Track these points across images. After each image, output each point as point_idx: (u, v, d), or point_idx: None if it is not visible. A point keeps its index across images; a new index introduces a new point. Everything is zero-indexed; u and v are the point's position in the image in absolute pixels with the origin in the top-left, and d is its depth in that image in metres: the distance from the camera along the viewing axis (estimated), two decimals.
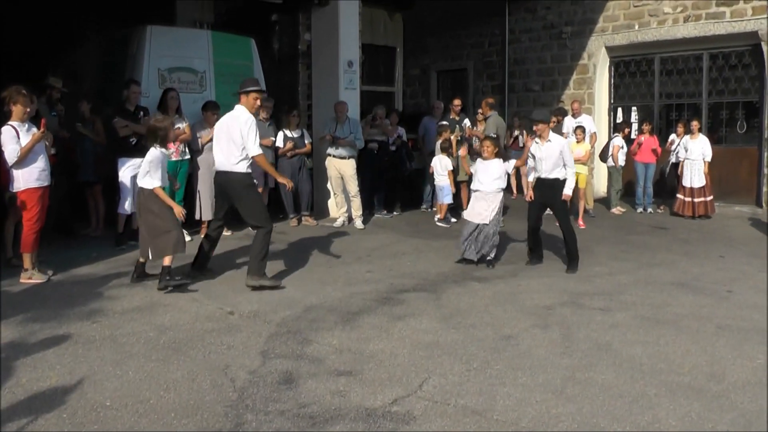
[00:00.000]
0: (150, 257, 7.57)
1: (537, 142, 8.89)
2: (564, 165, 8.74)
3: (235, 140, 7.60)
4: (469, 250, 8.84)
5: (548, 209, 9.35)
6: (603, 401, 4.68)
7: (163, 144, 7.64)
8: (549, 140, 8.79)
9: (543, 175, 8.83)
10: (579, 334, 6.16)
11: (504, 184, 9.03)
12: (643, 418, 4.43)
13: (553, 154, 8.69)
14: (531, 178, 9.24)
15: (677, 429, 4.30)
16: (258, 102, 7.96)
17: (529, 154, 9.08)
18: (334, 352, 5.63)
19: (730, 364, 5.44)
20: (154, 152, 7.49)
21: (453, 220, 12.27)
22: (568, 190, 8.78)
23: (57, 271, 8.18)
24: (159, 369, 5.21)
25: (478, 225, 8.78)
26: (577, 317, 6.66)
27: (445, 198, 12.26)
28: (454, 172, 12.43)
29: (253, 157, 7.63)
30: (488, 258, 8.85)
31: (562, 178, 8.76)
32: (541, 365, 5.37)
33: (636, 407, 4.59)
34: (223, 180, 7.81)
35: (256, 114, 8.11)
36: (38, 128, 8.12)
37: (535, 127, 8.94)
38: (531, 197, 8.98)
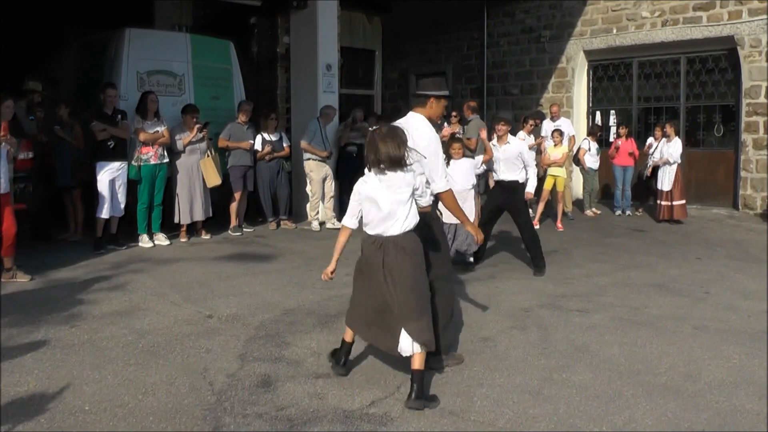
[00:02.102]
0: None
1: (495, 145, 8.94)
2: (524, 167, 8.78)
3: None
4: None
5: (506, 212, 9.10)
6: (580, 402, 4.71)
7: None
8: (507, 142, 8.82)
9: (501, 177, 8.83)
10: (556, 335, 6.20)
11: (474, 181, 9.05)
12: (620, 418, 4.46)
13: (510, 156, 8.72)
14: (492, 180, 9.28)
15: (653, 429, 4.34)
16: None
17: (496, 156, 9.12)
18: (312, 355, 5.63)
19: (706, 364, 5.49)
20: None
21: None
22: (530, 188, 8.92)
23: (35, 276, 8.12)
24: (137, 373, 5.19)
25: (454, 225, 8.67)
26: (555, 319, 6.70)
27: None
28: None
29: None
30: (468, 260, 8.85)
31: (521, 180, 8.80)
32: (518, 366, 5.40)
33: (613, 407, 4.63)
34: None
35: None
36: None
37: (497, 126, 8.96)
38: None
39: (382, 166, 4.69)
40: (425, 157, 5.09)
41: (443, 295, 5.30)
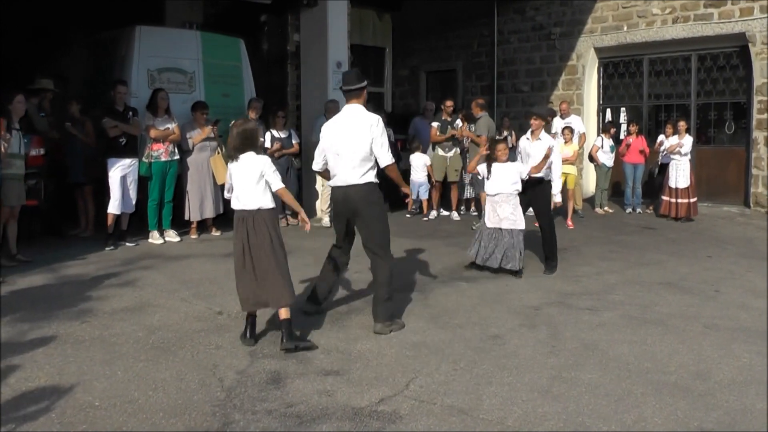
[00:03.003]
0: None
1: (528, 138, 8.83)
2: (550, 165, 8.62)
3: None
4: (490, 256, 8.38)
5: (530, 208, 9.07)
6: (589, 400, 4.71)
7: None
8: (539, 138, 8.73)
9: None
10: (566, 333, 6.19)
11: (518, 187, 8.50)
12: (629, 417, 4.46)
13: (540, 153, 8.62)
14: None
15: (663, 427, 4.33)
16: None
17: (518, 150, 9.04)
18: (321, 352, 5.64)
19: (716, 363, 5.48)
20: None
21: (435, 213, 13.11)
22: (555, 190, 8.72)
23: (47, 272, 8.17)
24: (148, 369, 5.22)
25: (503, 231, 8.34)
26: (564, 317, 6.69)
27: (422, 194, 13.21)
28: (444, 172, 12.66)
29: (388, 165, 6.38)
30: (520, 267, 8.43)
31: (546, 177, 8.70)
32: (527, 365, 5.40)
33: (622, 406, 4.62)
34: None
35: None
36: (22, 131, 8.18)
37: (531, 120, 8.81)
38: None
39: (235, 152, 5.82)
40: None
41: (380, 268, 6.30)
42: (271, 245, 5.72)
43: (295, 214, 12.30)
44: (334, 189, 6.46)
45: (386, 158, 6.28)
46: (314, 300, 6.71)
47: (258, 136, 6.09)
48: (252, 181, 5.74)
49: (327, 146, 6.42)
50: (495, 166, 8.50)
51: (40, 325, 6.20)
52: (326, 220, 12.11)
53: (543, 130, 8.88)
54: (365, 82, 6.42)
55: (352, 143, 6.23)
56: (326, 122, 6.62)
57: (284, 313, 5.67)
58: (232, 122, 6.56)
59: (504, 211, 8.39)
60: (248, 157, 5.79)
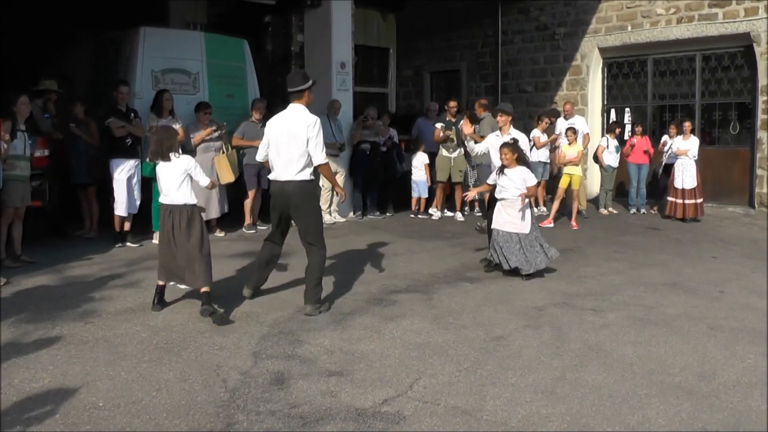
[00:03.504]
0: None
1: (497, 135, 8.84)
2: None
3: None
4: (515, 261, 8.23)
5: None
6: (593, 401, 4.70)
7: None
8: (509, 133, 8.74)
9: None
10: (570, 334, 6.19)
11: (525, 190, 8.40)
12: (633, 418, 4.45)
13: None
14: (491, 180, 8.97)
15: (667, 429, 4.33)
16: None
17: (489, 146, 9.00)
18: (325, 353, 5.64)
19: (721, 364, 5.47)
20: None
21: (431, 214, 13.20)
22: (531, 182, 8.46)
23: (51, 273, 8.19)
24: (151, 370, 5.22)
25: (514, 234, 8.25)
26: (569, 318, 6.69)
27: (422, 192, 13.37)
28: (448, 172, 12.70)
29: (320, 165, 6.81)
30: (540, 267, 8.33)
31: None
32: (531, 365, 5.40)
33: (626, 407, 4.62)
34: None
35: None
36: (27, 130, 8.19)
37: (498, 118, 8.88)
38: (471, 197, 9.08)
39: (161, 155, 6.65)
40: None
41: (314, 258, 6.85)
42: (191, 234, 6.57)
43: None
44: (272, 182, 6.97)
45: (319, 157, 6.71)
46: (253, 286, 7.26)
47: (176, 139, 6.87)
48: (178, 180, 6.60)
49: (269, 142, 6.90)
50: (506, 172, 8.40)
51: (44, 326, 6.21)
52: (327, 218, 12.22)
53: (512, 126, 8.91)
54: (308, 84, 6.82)
55: (290, 142, 6.69)
56: (273, 118, 7.03)
57: (204, 289, 6.54)
58: (151, 128, 7.80)
59: (509, 215, 8.32)
60: (175, 159, 6.64)
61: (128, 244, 9.85)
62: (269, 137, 6.87)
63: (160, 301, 6.84)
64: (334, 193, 12.52)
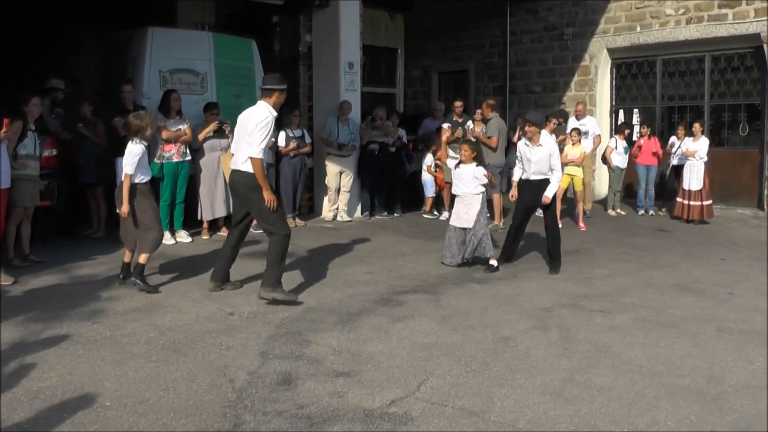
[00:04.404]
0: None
1: (527, 144, 8.81)
2: (551, 169, 8.69)
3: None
4: (449, 256, 8.93)
5: (538, 210, 9.26)
6: (601, 403, 4.69)
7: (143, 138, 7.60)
8: (540, 144, 8.69)
9: (531, 177, 8.75)
10: (578, 335, 6.17)
11: (482, 187, 8.92)
12: (642, 421, 4.43)
13: (542, 158, 8.63)
14: (516, 178, 9.10)
15: (676, 431, 4.31)
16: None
17: (517, 154, 9.09)
18: (332, 353, 5.64)
19: (730, 366, 5.45)
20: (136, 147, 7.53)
21: (437, 214, 13.40)
22: (549, 193, 8.66)
23: (59, 272, 8.21)
24: (159, 369, 5.22)
25: (464, 229, 8.80)
26: (577, 319, 6.67)
27: (427, 192, 13.55)
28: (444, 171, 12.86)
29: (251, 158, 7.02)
30: (490, 263, 8.73)
31: (549, 177, 8.75)
32: (539, 367, 5.38)
33: (635, 409, 4.60)
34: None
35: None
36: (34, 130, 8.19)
37: (527, 128, 8.87)
38: (514, 197, 9.00)
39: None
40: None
41: (273, 242, 7.07)
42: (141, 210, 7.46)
43: (301, 215, 12.44)
44: (231, 172, 7.41)
45: (252, 150, 6.95)
46: (217, 279, 7.57)
47: (145, 128, 7.50)
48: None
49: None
50: (460, 166, 9.02)
51: (52, 325, 6.22)
52: (330, 215, 12.35)
53: (541, 135, 8.81)
54: (280, 86, 7.17)
55: (240, 133, 7.14)
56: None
57: (142, 259, 7.46)
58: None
59: (460, 210, 8.89)
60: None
61: None
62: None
63: (126, 275, 7.61)
64: (337, 193, 12.58)
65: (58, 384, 4.90)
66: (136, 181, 7.45)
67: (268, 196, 7.03)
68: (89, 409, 4.48)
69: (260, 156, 6.98)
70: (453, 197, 13.28)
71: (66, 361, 5.35)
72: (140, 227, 7.47)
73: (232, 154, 7.47)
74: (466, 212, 8.81)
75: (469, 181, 8.87)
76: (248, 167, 7.01)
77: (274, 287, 7.02)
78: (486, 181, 8.91)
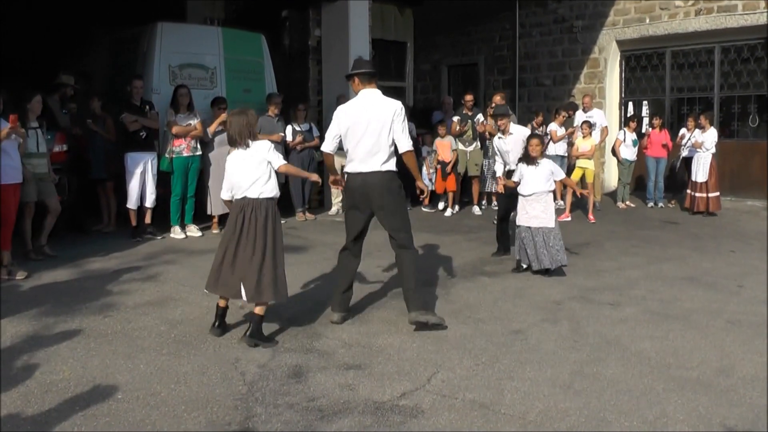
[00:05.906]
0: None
1: (500, 137, 9.08)
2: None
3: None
4: (534, 260, 8.11)
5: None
6: (611, 396, 4.69)
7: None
8: (511, 133, 9.00)
9: (512, 167, 8.80)
10: (588, 328, 6.17)
11: (553, 185, 8.40)
12: (651, 413, 4.43)
13: (517, 146, 8.76)
14: (500, 173, 9.22)
15: (685, 423, 4.31)
16: None
17: (495, 149, 9.32)
18: (343, 346, 5.66)
19: (739, 359, 5.44)
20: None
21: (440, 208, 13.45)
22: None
23: (70, 267, 8.26)
24: (170, 362, 5.25)
25: (539, 229, 8.08)
26: (586, 312, 6.67)
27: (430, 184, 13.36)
28: (465, 166, 12.72)
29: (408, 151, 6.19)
30: (563, 264, 8.23)
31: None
32: (549, 360, 5.39)
33: (644, 402, 4.60)
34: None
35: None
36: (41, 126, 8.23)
37: (498, 122, 9.15)
38: (502, 189, 9.00)
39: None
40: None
41: (408, 258, 6.24)
42: (265, 235, 5.63)
43: (311, 209, 12.47)
44: (351, 176, 6.24)
45: (407, 143, 6.15)
46: (342, 308, 6.39)
47: (255, 124, 5.96)
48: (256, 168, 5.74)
49: (345, 131, 6.22)
50: (534, 163, 8.27)
51: (64, 319, 6.26)
52: (334, 209, 12.43)
53: (510, 124, 9.15)
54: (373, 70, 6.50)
55: (368, 130, 6.10)
56: (342, 106, 6.45)
57: (259, 311, 5.69)
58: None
59: (536, 209, 8.17)
60: (255, 145, 5.79)
61: (146, 236, 9.91)
62: (344, 128, 6.23)
63: (221, 324, 5.96)
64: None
65: (71, 377, 4.93)
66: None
67: (421, 184, 6.34)
68: (101, 402, 4.51)
69: (412, 147, 6.20)
70: (484, 193, 13.35)
71: (78, 355, 5.39)
72: (256, 256, 5.62)
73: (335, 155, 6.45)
74: (543, 211, 8.12)
75: (545, 178, 8.20)
76: (390, 166, 6.12)
77: (426, 308, 6.21)
78: (563, 175, 8.74)
